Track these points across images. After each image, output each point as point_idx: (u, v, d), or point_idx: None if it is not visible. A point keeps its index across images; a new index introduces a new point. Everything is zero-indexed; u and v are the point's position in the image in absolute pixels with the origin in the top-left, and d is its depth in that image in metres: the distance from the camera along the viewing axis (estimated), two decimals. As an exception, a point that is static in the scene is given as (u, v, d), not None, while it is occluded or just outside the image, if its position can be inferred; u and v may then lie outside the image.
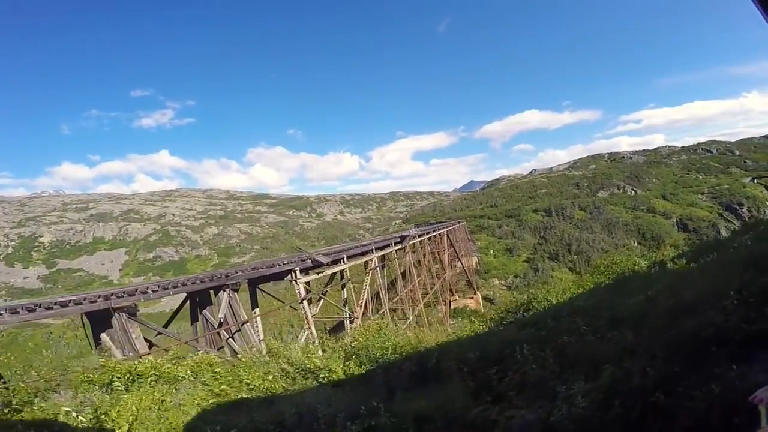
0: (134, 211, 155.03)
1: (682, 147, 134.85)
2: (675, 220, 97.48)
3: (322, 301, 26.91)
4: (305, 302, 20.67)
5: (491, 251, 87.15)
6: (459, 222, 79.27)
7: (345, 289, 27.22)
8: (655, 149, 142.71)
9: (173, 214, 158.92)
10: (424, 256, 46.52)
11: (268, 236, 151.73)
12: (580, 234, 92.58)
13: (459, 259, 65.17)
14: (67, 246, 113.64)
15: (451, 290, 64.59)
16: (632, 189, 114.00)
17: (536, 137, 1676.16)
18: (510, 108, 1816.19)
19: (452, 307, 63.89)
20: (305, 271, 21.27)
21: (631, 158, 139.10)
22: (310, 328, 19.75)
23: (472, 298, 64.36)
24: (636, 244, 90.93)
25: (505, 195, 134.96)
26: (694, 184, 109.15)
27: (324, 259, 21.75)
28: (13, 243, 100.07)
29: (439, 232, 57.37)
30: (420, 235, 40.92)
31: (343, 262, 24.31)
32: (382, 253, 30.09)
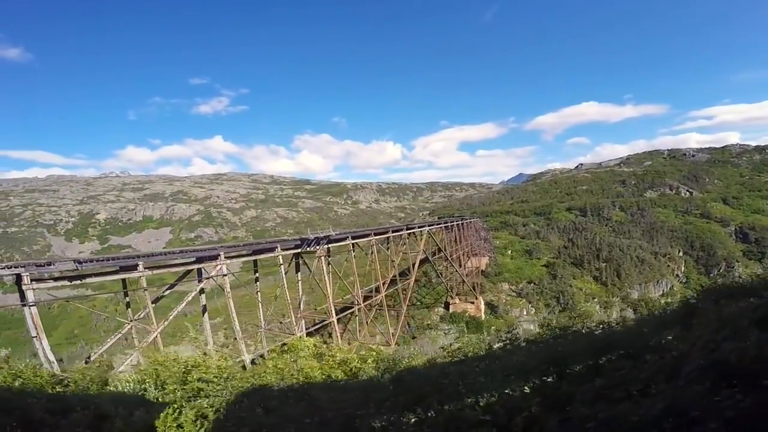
0: (183, 193, 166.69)
1: (756, 146, 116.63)
2: (734, 228, 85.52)
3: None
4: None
5: (509, 251, 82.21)
6: (466, 219, 75.26)
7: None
8: (723, 147, 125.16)
9: (218, 197, 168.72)
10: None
11: (303, 221, 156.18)
12: (614, 239, 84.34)
13: (455, 260, 61.88)
14: (119, 223, 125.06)
15: (450, 293, 61.99)
16: (687, 190, 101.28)
17: (593, 130, 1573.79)
18: (565, 99, 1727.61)
19: (450, 311, 61.44)
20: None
21: (693, 156, 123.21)
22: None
23: (473, 303, 61.17)
24: (681, 253, 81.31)
25: (541, 190, 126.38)
26: (764, 187, 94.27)
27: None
28: (73, 219, 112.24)
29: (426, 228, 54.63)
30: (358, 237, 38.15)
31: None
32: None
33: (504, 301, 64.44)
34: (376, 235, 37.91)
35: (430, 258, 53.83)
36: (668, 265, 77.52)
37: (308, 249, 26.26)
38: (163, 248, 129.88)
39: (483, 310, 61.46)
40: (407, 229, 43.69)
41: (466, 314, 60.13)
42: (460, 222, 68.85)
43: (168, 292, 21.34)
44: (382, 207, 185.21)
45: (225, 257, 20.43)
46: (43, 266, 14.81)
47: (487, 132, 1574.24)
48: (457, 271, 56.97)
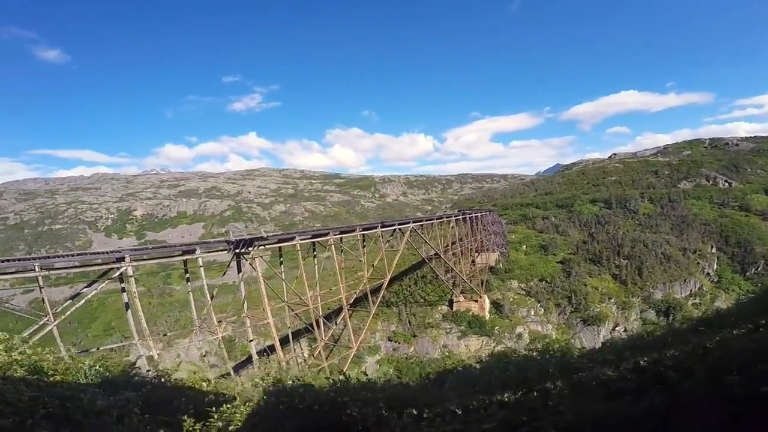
0: (216, 189, 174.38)
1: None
2: (776, 222, 78.31)
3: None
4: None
5: (524, 246, 80.00)
6: (479, 212, 73.69)
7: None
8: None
9: (249, 192, 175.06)
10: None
11: (330, 215, 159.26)
12: (639, 233, 79.81)
13: (460, 256, 61.09)
14: (155, 219, 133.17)
15: (454, 289, 61.49)
16: (725, 180, 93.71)
17: (634, 120, 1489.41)
18: (603, 88, 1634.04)
19: (454, 309, 60.99)
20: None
21: (737, 145, 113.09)
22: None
23: (477, 301, 60.30)
24: (714, 249, 75.94)
25: (567, 182, 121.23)
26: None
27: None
28: (112, 216, 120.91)
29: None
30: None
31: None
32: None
33: (511, 299, 62.96)
34: (342, 233, 36.36)
35: (441, 254, 52.85)
36: (698, 263, 72.44)
37: (242, 250, 27.34)
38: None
39: (488, 309, 60.47)
40: (382, 227, 40.58)
41: (470, 313, 59.44)
42: (471, 215, 67.63)
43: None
44: (409, 200, 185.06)
45: (131, 259, 23.02)
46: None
47: (521, 122, 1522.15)
48: (453, 268, 55.75)
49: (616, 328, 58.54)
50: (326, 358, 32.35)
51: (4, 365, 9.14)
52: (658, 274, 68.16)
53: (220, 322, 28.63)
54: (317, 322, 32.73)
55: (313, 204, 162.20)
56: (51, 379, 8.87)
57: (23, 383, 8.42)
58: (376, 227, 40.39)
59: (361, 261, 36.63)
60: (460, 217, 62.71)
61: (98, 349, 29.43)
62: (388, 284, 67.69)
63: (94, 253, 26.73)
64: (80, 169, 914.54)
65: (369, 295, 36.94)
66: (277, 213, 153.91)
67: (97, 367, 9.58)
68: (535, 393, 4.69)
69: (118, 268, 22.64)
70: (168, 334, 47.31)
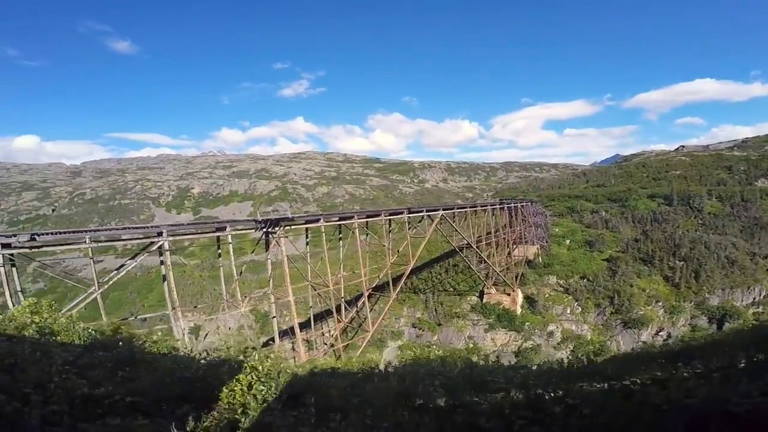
0: (265, 170, 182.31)
1: None
2: None
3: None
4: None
5: (567, 241, 76.04)
6: (522, 202, 70.84)
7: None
8: None
9: (295, 174, 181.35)
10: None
11: (369, 198, 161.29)
12: (701, 233, 72.82)
13: (495, 246, 59.26)
14: (210, 197, 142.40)
15: (486, 280, 60.16)
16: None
17: (710, 110, 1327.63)
18: (675, 75, 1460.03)
19: (484, 300, 59.85)
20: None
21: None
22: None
23: (509, 294, 58.61)
24: (788, 255, 67.35)
25: (624, 174, 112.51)
26: None
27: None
28: (172, 193, 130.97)
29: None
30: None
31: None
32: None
33: (547, 295, 60.50)
34: (368, 217, 35.99)
35: (473, 244, 51.59)
36: (767, 269, 64.84)
37: (269, 230, 28.09)
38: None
39: (520, 304, 58.67)
40: (408, 213, 39.68)
41: (501, 306, 57.99)
42: (510, 205, 65.31)
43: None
44: (449, 186, 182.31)
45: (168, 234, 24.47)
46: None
47: (577, 110, 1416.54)
48: (486, 259, 54.02)
49: (660, 333, 54.43)
50: (342, 341, 33.34)
51: (22, 325, 10.60)
52: (717, 279, 62.05)
53: (245, 296, 30.39)
54: (338, 304, 33.78)
55: (353, 187, 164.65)
56: (55, 339, 10.18)
57: (28, 340, 9.75)
58: (402, 213, 39.85)
59: (384, 246, 36.78)
60: (497, 206, 60.64)
61: (136, 317, 32.58)
62: (417, 270, 68.29)
63: (137, 228, 29.24)
64: (147, 150, 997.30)
65: (390, 281, 37.21)
66: (319, 194, 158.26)
67: (90, 330, 10.82)
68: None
69: (157, 242, 24.63)
70: (198, 306, 50.75)
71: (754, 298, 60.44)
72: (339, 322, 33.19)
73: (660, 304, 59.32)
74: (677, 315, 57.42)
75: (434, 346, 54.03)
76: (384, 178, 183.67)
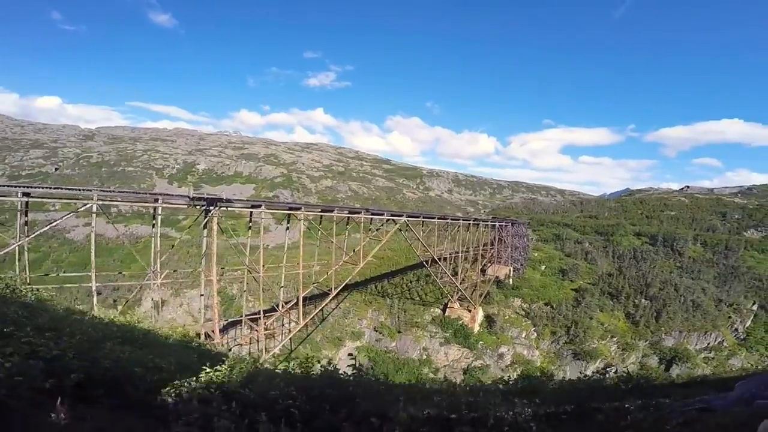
0: (274, 156, 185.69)
1: None
2: None
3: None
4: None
5: (543, 267, 77.14)
6: (502, 221, 72.04)
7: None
8: None
9: (303, 164, 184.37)
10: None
11: (371, 198, 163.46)
12: (674, 276, 73.29)
13: (465, 263, 60.91)
14: (214, 175, 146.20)
15: (453, 295, 61.73)
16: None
17: (729, 152, 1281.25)
18: (702, 113, 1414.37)
19: (446, 314, 61.39)
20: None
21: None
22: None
23: (470, 311, 60.09)
24: (754, 306, 68.18)
25: (620, 208, 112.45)
26: None
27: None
28: (178, 166, 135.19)
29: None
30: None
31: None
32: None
33: (506, 317, 61.86)
34: (322, 212, 36.48)
35: (435, 256, 52.41)
36: (729, 317, 65.07)
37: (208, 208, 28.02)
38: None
39: (479, 322, 60.13)
40: (368, 214, 39.98)
41: (460, 322, 59.56)
42: (492, 224, 66.49)
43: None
44: (453, 198, 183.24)
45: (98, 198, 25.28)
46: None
47: (598, 137, 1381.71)
48: (447, 272, 55.35)
49: (607, 368, 55.36)
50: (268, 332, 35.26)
51: None
52: (677, 321, 62.66)
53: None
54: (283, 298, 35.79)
55: (358, 185, 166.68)
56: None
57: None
58: (360, 212, 40.27)
59: (332, 242, 38.10)
60: (471, 222, 61.91)
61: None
62: (390, 275, 70.11)
63: (71, 188, 28.07)
64: (164, 122, 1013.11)
65: (333, 279, 37.95)
66: (323, 187, 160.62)
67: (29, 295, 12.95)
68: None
69: (86, 204, 25.15)
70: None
71: (708, 344, 60.91)
72: (274, 313, 35.39)
73: (615, 339, 60.25)
74: (629, 352, 58.34)
75: (392, 353, 55.89)
76: (390, 181, 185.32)
